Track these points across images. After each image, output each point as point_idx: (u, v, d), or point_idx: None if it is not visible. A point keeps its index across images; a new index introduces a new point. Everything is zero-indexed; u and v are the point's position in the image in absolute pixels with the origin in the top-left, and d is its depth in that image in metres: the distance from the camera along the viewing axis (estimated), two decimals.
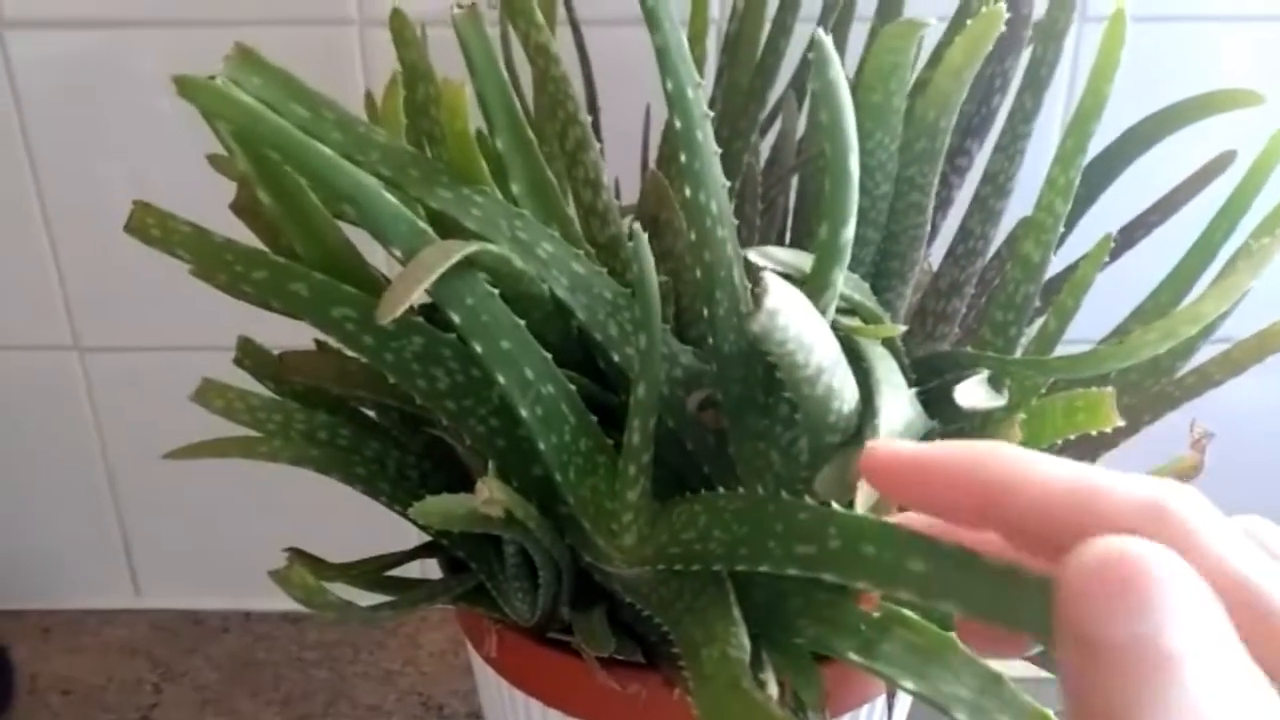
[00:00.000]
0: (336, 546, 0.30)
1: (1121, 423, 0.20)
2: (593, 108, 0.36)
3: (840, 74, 0.20)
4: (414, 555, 0.29)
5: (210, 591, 0.55)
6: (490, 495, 0.21)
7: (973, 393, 0.21)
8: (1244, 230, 0.28)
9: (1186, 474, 0.26)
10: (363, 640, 0.53)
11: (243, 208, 0.27)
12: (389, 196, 0.21)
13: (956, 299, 0.33)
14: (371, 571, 0.27)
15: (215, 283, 0.25)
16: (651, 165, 0.36)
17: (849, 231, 0.21)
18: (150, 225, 0.25)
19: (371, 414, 0.30)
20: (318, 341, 0.28)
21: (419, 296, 0.23)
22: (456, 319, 0.22)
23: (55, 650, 0.52)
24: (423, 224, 0.22)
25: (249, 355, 0.29)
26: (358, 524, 0.31)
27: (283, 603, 0.54)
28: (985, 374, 0.23)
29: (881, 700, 0.27)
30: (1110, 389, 0.20)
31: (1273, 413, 0.49)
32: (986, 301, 0.32)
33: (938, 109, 0.26)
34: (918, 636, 0.20)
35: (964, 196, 0.33)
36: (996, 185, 0.31)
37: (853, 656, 0.20)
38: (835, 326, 0.23)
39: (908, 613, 0.20)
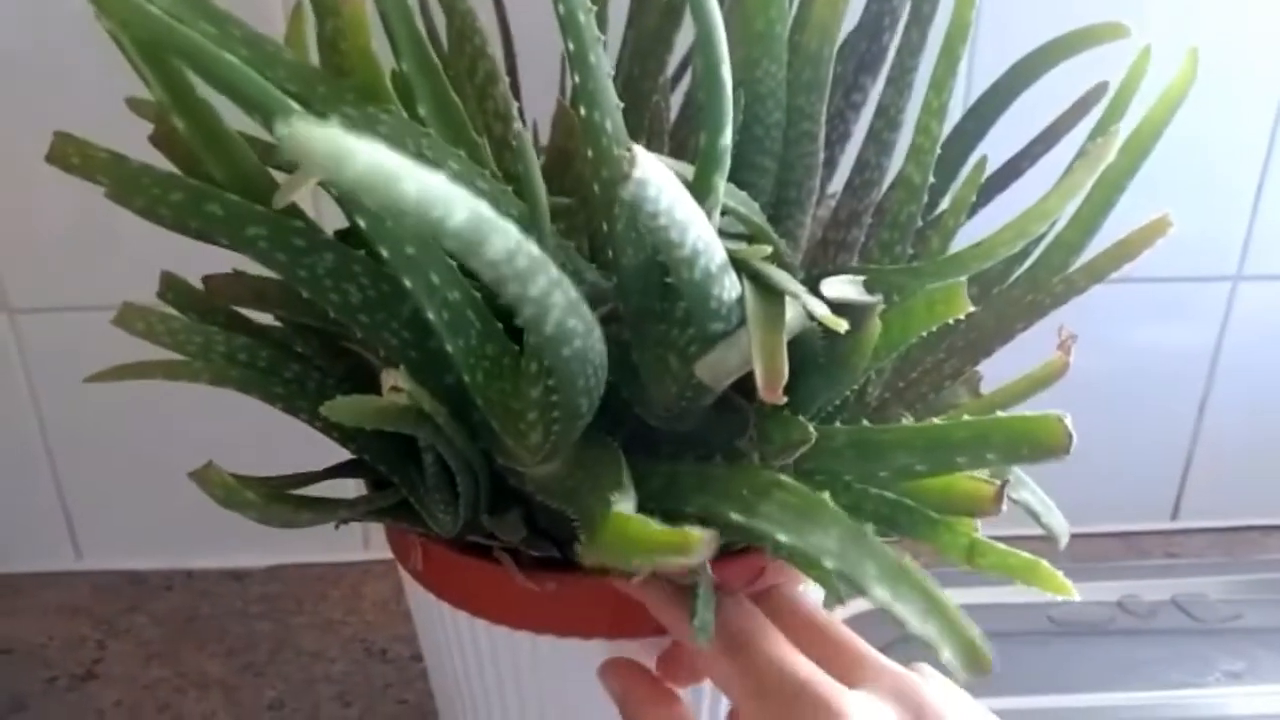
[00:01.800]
0: None
1: (973, 308, 0.22)
2: (509, 50, 0.37)
3: None
4: (334, 473, 0.30)
5: (152, 552, 0.55)
6: (394, 383, 0.22)
7: (838, 287, 0.23)
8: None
9: (1056, 373, 0.28)
10: (306, 593, 0.54)
11: (161, 139, 0.28)
12: (294, 104, 0.22)
13: (856, 228, 0.35)
14: (289, 485, 0.28)
15: (134, 207, 0.26)
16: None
17: (725, 138, 0.23)
18: (70, 154, 0.26)
19: (297, 347, 0.31)
20: (235, 270, 0.29)
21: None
22: (363, 223, 0.23)
23: None
24: None
25: (172, 288, 0.30)
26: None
27: (226, 560, 0.55)
28: (861, 277, 0.25)
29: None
30: (962, 279, 0.22)
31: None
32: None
33: (819, 38, 0.28)
34: (794, 497, 0.22)
35: (861, 130, 0.35)
36: (888, 118, 0.33)
37: (734, 517, 0.22)
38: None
39: (785, 478, 0.22)
